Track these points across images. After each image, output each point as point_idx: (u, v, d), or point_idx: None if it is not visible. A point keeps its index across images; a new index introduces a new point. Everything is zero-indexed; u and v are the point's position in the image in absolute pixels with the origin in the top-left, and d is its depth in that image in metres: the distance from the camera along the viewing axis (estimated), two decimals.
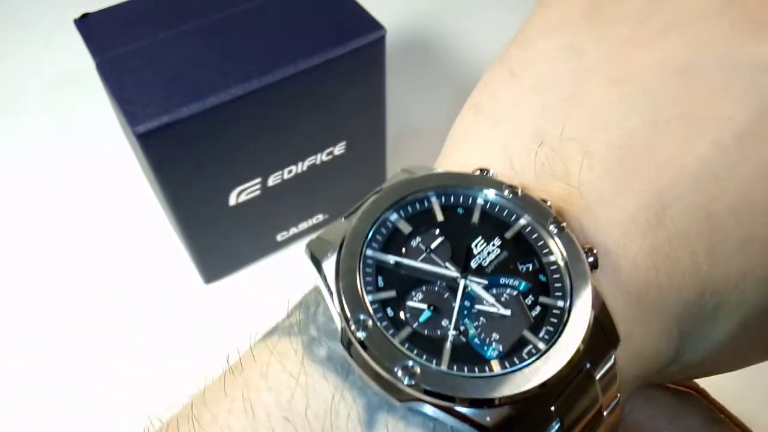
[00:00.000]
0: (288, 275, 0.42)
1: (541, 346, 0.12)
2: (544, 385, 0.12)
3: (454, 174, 0.14)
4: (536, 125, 0.14)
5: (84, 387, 0.37)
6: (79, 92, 0.52)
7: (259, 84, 0.32)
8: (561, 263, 0.13)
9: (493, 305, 0.12)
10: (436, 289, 0.13)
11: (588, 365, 0.12)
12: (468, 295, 0.13)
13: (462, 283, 0.13)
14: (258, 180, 0.37)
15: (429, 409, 0.12)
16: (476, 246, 0.13)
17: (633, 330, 0.13)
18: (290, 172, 0.38)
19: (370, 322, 0.12)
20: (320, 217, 0.43)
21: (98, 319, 0.40)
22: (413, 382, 0.12)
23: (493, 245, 0.13)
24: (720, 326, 0.13)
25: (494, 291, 0.13)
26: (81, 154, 0.49)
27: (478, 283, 0.13)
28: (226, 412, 0.13)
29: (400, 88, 0.49)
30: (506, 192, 0.14)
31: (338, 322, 0.13)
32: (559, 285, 0.13)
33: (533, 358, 0.12)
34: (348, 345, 0.12)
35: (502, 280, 0.13)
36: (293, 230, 0.42)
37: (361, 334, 0.12)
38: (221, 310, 0.41)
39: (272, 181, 0.37)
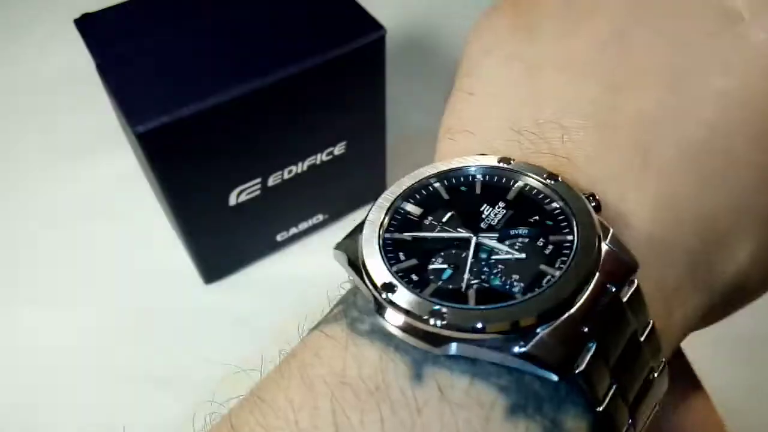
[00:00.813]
0: (288, 275, 0.42)
1: (557, 273, 0.13)
2: (567, 303, 0.13)
3: (451, 162, 0.16)
4: (510, 123, 0.15)
5: (83, 387, 0.37)
6: (79, 92, 0.52)
7: (259, 84, 0.32)
8: (562, 205, 0.14)
9: (508, 252, 0.14)
10: (454, 251, 0.14)
11: (613, 288, 0.13)
12: (484, 250, 0.14)
13: (474, 240, 0.14)
14: (258, 180, 0.37)
15: (467, 350, 0.13)
16: (483, 211, 0.15)
17: (650, 270, 0.14)
18: (290, 172, 0.38)
19: (397, 285, 0.13)
20: (320, 217, 0.43)
21: (98, 319, 0.40)
22: (444, 322, 0.13)
23: (499, 207, 0.15)
24: (739, 245, 0.15)
25: (507, 242, 0.14)
26: (81, 154, 0.49)
27: (491, 238, 0.14)
28: (285, 390, 0.14)
29: (400, 88, 0.49)
30: (500, 163, 0.15)
31: (371, 296, 0.14)
32: (564, 224, 0.14)
33: (552, 284, 0.13)
34: (383, 312, 0.13)
35: (513, 232, 0.14)
36: (293, 230, 0.42)
37: (390, 295, 0.13)
38: (221, 310, 0.41)
39: (272, 181, 0.37)
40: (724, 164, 0.14)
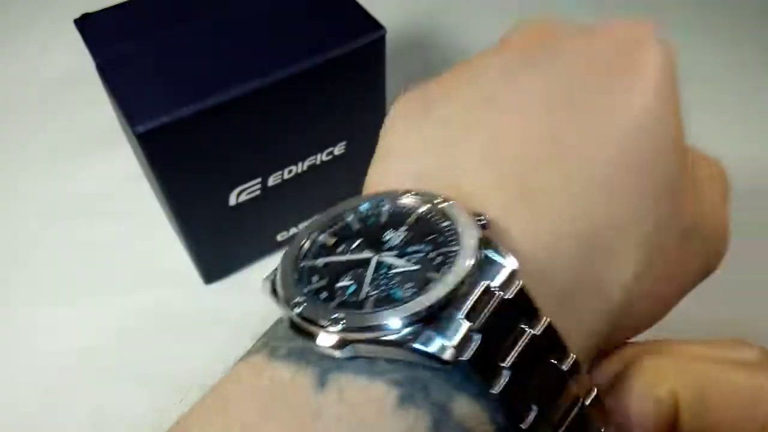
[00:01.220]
0: None
1: (440, 277, 0.15)
2: (448, 300, 0.15)
3: (362, 197, 0.19)
4: (414, 171, 0.19)
5: (83, 387, 0.37)
6: (79, 92, 0.52)
7: (259, 84, 0.32)
8: (451, 223, 0.16)
9: (404, 266, 0.16)
10: (359, 270, 0.16)
11: (496, 290, 0.15)
12: (384, 266, 0.16)
13: (375, 258, 0.16)
14: (258, 180, 0.37)
15: (364, 350, 0.15)
16: (387, 236, 0.17)
17: (536, 276, 0.16)
18: (290, 172, 0.38)
19: (305, 302, 0.16)
20: None
21: (98, 319, 0.40)
22: (341, 326, 0.15)
23: (401, 230, 0.17)
24: (621, 260, 0.17)
25: (405, 258, 0.16)
26: (81, 154, 0.49)
27: (391, 256, 0.16)
28: (206, 416, 0.16)
29: (400, 88, 0.49)
30: (403, 194, 0.18)
31: (286, 317, 0.16)
32: (452, 238, 0.16)
33: (435, 286, 0.15)
34: (294, 327, 0.16)
35: (410, 249, 0.16)
36: (293, 230, 0.42)
37: (297, 310, 0.16)
38: (221, 310, 0.41)
39: (272, 181, 0.37)
40: (601, 190, 0.17)
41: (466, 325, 0.14)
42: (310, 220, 0.19)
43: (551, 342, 0.16)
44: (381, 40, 0.35)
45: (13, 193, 0.48)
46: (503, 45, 0.22)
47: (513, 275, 0.15)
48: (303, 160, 0.38)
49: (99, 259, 0.43)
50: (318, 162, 0.39)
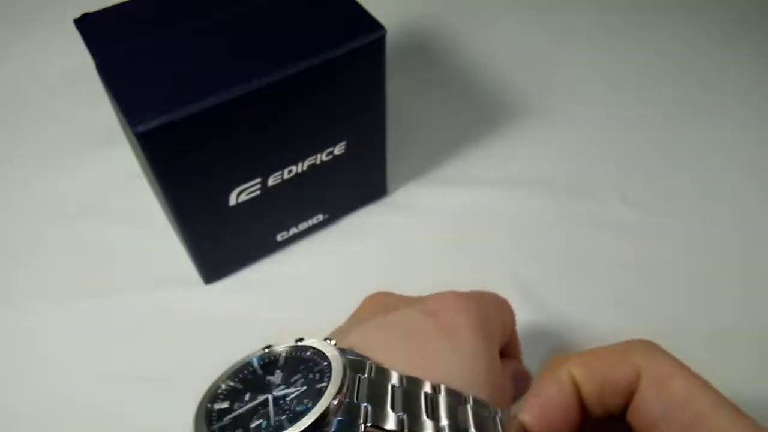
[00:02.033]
0: (288, 275, 0.42)
1: (325, 384, 0.20)
2: (338, 392, 0.19)
3: (236, 362, 0.23)
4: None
5: (83, 387, 0.37)
6: (79, 92, 0.52)
7: (259, 84, 0.32)
8: (311, 352, 0.22)
9: (296, 390, 0.20)
10: (262, 410, 0.20)
11: (358, 375, 0.20)
12: (281, 398, 0.20)
13: (270, 396, 0.20)
14: (258, 180, 0.37)
15: None
16: (269, 379, 0.21)
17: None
18: (290, 172, 0.38)
19: None
20: (320, 217, 0.43)
21: (97, 318, 0.40)
22: None
23: (277, 372, 0.21)
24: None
25: (292, 387, 0.20)
26: (81, 154, 0.49)
27: (281, 390, 0.20)
28: None
29: (400, 88, 0.49)
30: (265, 349, 0.22)
31: None
32: (318, 359, 0.21)
33: (324, 391, 0.20)
34: None
35: (292, 379, 0.21)
36: (293, 230, 0.43)
37: None
38: (221, 310, 0.41)
39: (272, 181, 0.37)
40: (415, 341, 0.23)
41: (360, 404, 0.19)
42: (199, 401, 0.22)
43: (413, 382, 0.21)
44: (381, 40, 0.35)
45: (12, 192, 0.48)
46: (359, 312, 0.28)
47: (370, 363, 0.21)
48: (303, 160, 0.38)
49: (99, 259, 0.43)
50: (318, 162, 0.39)
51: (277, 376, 0.21)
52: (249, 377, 0.22)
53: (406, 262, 0.42)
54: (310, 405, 0.19)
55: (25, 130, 0.52)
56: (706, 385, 0.20)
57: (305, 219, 0.42)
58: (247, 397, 0.21)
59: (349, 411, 0.19)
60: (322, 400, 0.19)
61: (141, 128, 0.30)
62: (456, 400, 0.21)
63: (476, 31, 0.59)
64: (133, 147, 0.38)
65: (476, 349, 0.23)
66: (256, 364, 0.22)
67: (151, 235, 0.44)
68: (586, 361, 0.21)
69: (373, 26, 0.35)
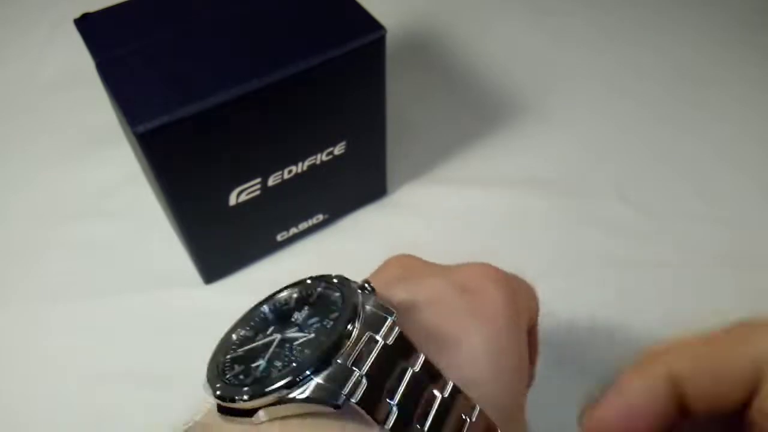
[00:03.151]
0: (288, 275, 0.42)
1: (326, 339, 0.18)
2: (331, 353, 0.17)
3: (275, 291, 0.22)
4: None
5: (83, 386, 0.37)
6: (79, 92, 0.52)
7: (259, 84, 0.32)
8: (340, 294, 0.20)
9: (303, 337, 0.19)
10: (270, 349, 0.19)
11: (377, 336, 0.18)
12: (288, 341, 0.19)
13: (279, 337, 0.20)
14: (258, 180, 0.37)
15: (273, 412, 0.17)
16: (294, 316, 0.20)
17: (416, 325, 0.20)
18: (290, 172, 0.38)
19: (220, 387, 0.18)
20: (320, 217, 0.43)
21: (97, 318, 0.40)
22: (247, 397, 0.17)
23: (304, 310, 0.20)
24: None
25: (305, 330, 0.19)
26: (81, 154, 0.49)
27: (294, 331, 0.19)
28: None
29: (400, 88, 0.49)
30: (306, 280, 0.22)
31: (211, 398, 0.19)
32: (341, 305, 0.19)
33: (319, 344, 0.18)
34: (221, 410, 0.18)
35: (309, 322, 0.20)
36: (293, 230, 0.43)
37: (218, 392, 0.18)
38: (221, 310, 0.41)
39: (272, 181, 0.37)
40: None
41: (354, 373, 0.17)
42: (236, 320, 0.22)
43: (430, 374, 0.19)
44: (381, 40, 0.35)
45: (12, 192, 0.48)
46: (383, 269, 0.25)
47: (393, 324, 0.19)
48: (303, 160, 0.38)
49: (99, 259, 0.43)
50: (318, 162, 0.39)
51: (302, 314, 0.20)
52: (284, 309, 0.21)
53: None
54: (305, 356, 0.18)
55: (25, 130, 0.52)
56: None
57: (305, 219, 0.42)
58: (269, 331, 0.20)
59: (336, 376, 0.17)
60: (306, 359, 0.18)
61: (141, 128, 0.30)
62: (466, 409, 0.19)
63: (476, 31, 0.59)
64: (133, 147, 0.38)
65: (510, 342, 0.20)
66: (295, 296, 0.21)
67: (151, 235, 0.44)
68: (690, 355, 0.17)
69: (373, 26, 0.35)
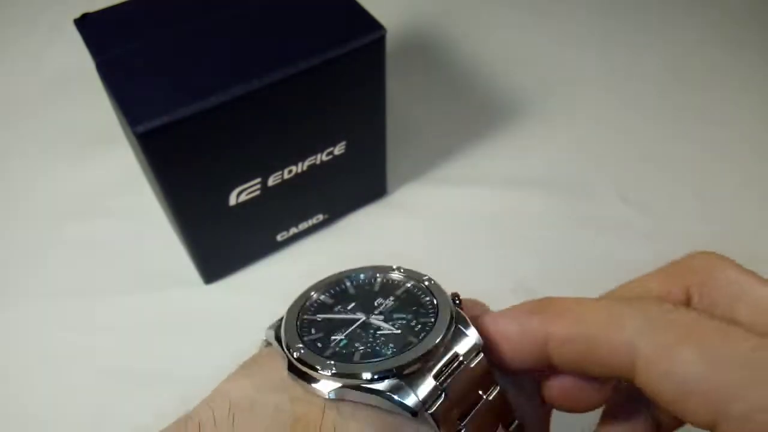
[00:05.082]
0: (288, 275, 0.42)
1: (417, 341, 0.19)
2: (421, 361, 0.18)
3: (359, 267, 0.22)
4: None
5: (83, 386, 0.37)
6: (79, 92, 0.52)
7: (259, 84, 0.32)
8: (431, 299, 0.20)
9: (389, 329, 0.19)
10: (351, 327, 0.19)
11: (461, 357, 0.18)
12: (372, 327, 0.19)
13: (364, 319, 0.20)
14: (258, 180, 0.37)
15: (351, 395, 0.18)
16: (378, 301, 0.20)
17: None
18: (290, 172, 0.38)
19: (302, 348, 0.19)
20: (320, 217, 0.43)
21: (97, 318, 0.40)
22: (332, 372, 0.18)
23: (389, 299, 0.20)
24: None
25: (390, 322, 0.19)
26: (81, 154, 0.49)
27: (378, 319, 0.20)
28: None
29: (400, 88, 0.49)
30: (393, 270, 0.22)
31: (285, 358, 0.19)
32: (432, 311, 0.20)
33: (410, 348, 0.18)
34: (292, 369, 0.19)
35: (395, 315, 0.20)
36: (293, 230, 0.42)
37: (296, 354, 0.19)
38: (221, 310, 0.41)
39: (272, 181, 0.37)
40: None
41: (433, 384, 0.18)
42: (315, 282, 0.22)
43: (501, 407, 0.19)
44: (381, 40, 0.35)
45: (12, 192, 0.48)
46: None
47: (476, 348, 0.19)
48: (303, 160, 0.38)
49: (99, 258, 0.43)
50: (318, 162, 0.39)
51: (387, 303, 0.20)
52: (366, 289, 0.21)
53: (406, 262, 0.42)
54: (388, 354, 0.18)
55: (25, 130, 0.52)
56: (732, 330, 0.15)
57: (305, 219, 0.42)
58: (350, 306, 0.20)
59: (419, 384, 0.17)
60: (396, 361, 0.18)
61: (141, 128, 0.30)
62: None
63: (476, 31, 0.59)
64: (133, 147, 0.38)
65: None
66: (379, 280, 0.21)
67: (151, 235, 0.44)
68: (568, 320, 0.18)
69: (373, 26, 0.35)
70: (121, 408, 0.36)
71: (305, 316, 0.20)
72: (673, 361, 0.15)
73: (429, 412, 0.17)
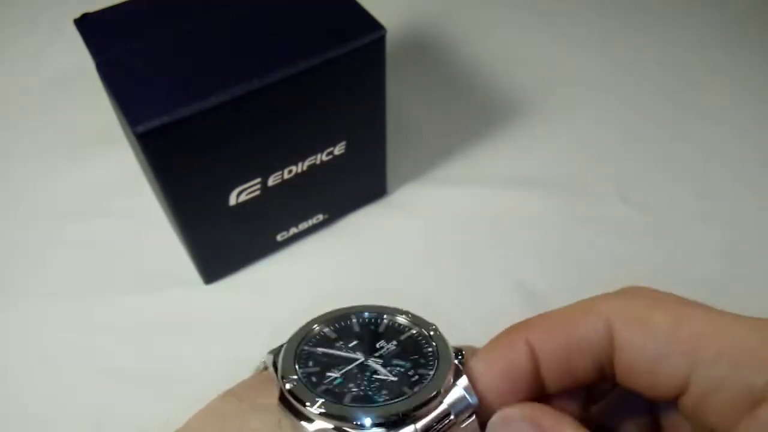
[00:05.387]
0: (288, 275, 0.42)
1: (410, 393, 0.19)
2: (409, 414, 0.18)
3: (367, 305, 0.22)
4: None
5: (82, 386, 0.37)
6: (79, 92, 0.52)
7: (259, 84, 0.32)
8: (434, 350, 0.20)
9: (386, 375, 0.19)
10: (349, 367, 0.19)
11: (452, 416, 0.18)
12: (370, 369, 0.19)
13: (363, 361, 0.20)
14: (258, 180, 0.37)
15: None
16: (380, 344, 0.20)
17: None
18: (290, 172, 0.38)
19: (296, 380, 0.19)
20: (320, 217, 0.43)
21: (97, 318, 0.40)
22: (320, 411, 0.18)
23: (392, 343, 0.20)
24: None
25: (388, 368, 0.19)
26: (81, 154, 0.49)
27: (377, 363, 0.20)
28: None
29: (400, 88, 0.49)
30: (401, 314, 0.21)
31: (278, 386, 0.19)
32: (432, 363, 0.19)
33: (403, 399, 0.18)
34: (282, 399, 0.19)
35: (394, 362, 0.20)
36: (293, 230, 0.43)
37: (288, 386, 0.19)
38: (221, 310, 0.41)
39: (272, 181, 0.37)
40: None
41: None
42: (318, 315, 0.22)
43: None
44: (381, 40, 0.35)
45: (12, 193, 0.48)
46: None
47: (470, 409, 0.18)
48: (303, 160, 0.38)
49: (99, 259, 0.43)
50: (318, 162, 0.39)
51: (389, 347, 0.20)
52: (371, 328, 0.21)
53: (406, 262, 0.42)
54: (380, 402, 0.18)
55: (24, 130, 0.52)
56: (690, 303, 0.17)
57: (305, 219, 0.42)
58: (352, 344, 0.20)
59: None
60: (385, 410, 0.18)
61: (141, 128, 0.30)
62: None
63: (476, 31, 0.59)
64: (133, 147, 0.38)
65: None
66: (385, 321, 0.21)
67: (151, 235, 0.44)
68: (546, 324, 0.19)
69: (373, 26, 0.35)
70: (121, 408, 0.36)
71: (305, 347, 0.20)
72: (647, 322, 0.17)
73: None
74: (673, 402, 0.18)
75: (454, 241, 0.44)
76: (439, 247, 0.43)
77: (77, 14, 0.35)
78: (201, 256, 0.40)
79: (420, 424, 0.18)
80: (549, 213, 0.45)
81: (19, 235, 0.45)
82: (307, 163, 0.38)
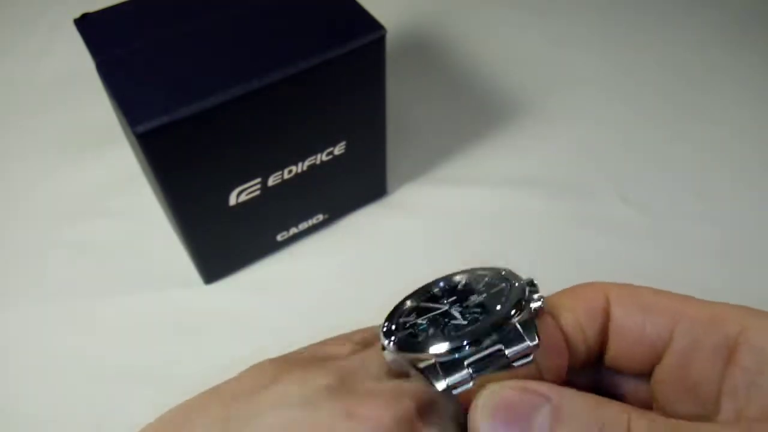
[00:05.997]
0: (288, 275, 0.42)
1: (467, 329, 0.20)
2: (459, 348, 0.19)
3: (475, 267, 0.24)
4: None
5: (83, 386, 0.37)
6: (79, 92, 0.52)
7: (259, 84, 0.32)
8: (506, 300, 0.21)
9: (458, 320, 0.21)
10: (433, 315, 0.22)
11: (505, 351, 0.19)
12: (449, 316, 0.21)
13: (445, 310, 0.22)
14: (258, 180, 0.37)
15: (406, 366, 0.20)
16: (471, 297, 0.22)
17: None
18: (290, 172, 0.38)
19: (394, 332, 0.21)
20: (320, 217, 0.43)
21: (98, 318, 0.40)
22: (393, 348, 0.20)
23: (482, 296, 0.22)
24: None
25: (465, 315, 0.21)
26: (81, 154, 0.49)
27: (457, 310, 0.21)
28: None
29: (400, 88, 0.49)
30: (502, 270, 0.23)
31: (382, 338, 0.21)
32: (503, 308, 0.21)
33: (457, 336, 0.20)
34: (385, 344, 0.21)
35: (473, 310, 0.21)
36: (293, 230, 0.42)
37: (385, 338, 0.21)
38: (221, 310, 0.41)
39: (272, 181, 0.37)
40: None
41: (465, 374, 0.19)
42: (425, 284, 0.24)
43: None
44: (381, 40, 0.35)
45: (12, 193, 0.48)
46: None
47: (526, 350, 0.19)
48: (303, 160, 0.38)
49: (99, 259, 0.43)
50: (318, 162, 0.39)
51: (474, 299, 0.22)
52: (472, 285, 0.23)
53: (406, 262, 0.42)
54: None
55: (24, 130, 0.52)
56: (667, 292, 0.20)
57: (305, 219, 0.42)
58: (451, 299, 0.22)
59: (451, 368, 0.19)
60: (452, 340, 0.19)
61: (141, 128, 0.30)
62: None
63: (476, 31, 0.59)
64: (133, 147, 0.38)
65: None
66: (487, 279, 0.23)
67: (151, 235, 0.44)
68: (569, 301, 0.22)
69: (373, 26, 0.35)
70: (121, 408, 0.36)
71: (410, 302, 0.23)
72: (635, 291, 0.21)
73: (455, 391, 0.19)
74: (646, 377, 0.21)
75: (454, 241, 0.44)
76: (439, 247, 0.43)
77: (77, 14, 0.35)
78: (201, 256, 0.40)
79: (470, 359, 0.19)
80: (549, 213, 0.45)
81: (19, 235, 0.45)
82: (307, 163, 0.38)
